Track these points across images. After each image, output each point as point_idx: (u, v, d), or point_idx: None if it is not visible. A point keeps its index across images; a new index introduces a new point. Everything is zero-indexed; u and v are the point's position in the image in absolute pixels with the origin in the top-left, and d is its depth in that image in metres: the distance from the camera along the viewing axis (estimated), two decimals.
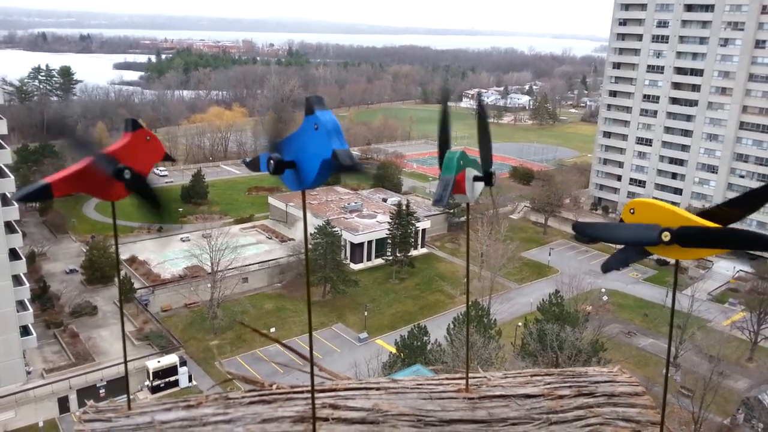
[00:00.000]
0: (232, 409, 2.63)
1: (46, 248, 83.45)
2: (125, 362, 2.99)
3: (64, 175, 2.32)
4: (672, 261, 2.56)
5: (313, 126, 2.24)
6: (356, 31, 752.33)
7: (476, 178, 2.77)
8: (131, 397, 2.80)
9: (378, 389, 2.81)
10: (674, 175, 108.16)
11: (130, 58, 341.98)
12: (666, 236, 2.39)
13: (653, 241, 2.42)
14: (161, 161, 2.78)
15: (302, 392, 2.75)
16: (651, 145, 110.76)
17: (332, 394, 2.77)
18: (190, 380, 59.26)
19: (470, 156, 2.84)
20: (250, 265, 78.88)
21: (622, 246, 2.62)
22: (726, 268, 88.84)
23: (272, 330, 67.30)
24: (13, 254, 57.22)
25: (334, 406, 2.65)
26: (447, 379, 2.96)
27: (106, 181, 2.39)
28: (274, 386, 2.87)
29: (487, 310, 59.91)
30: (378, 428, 2.55)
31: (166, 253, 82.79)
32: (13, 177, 60.25)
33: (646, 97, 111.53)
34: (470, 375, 2.91)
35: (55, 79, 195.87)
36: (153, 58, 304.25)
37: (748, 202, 2.43)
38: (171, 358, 59.44)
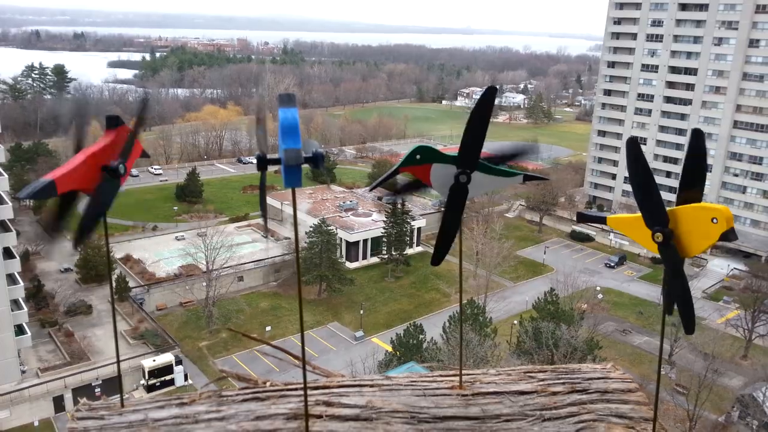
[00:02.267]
0: (225, 406, 2.63)
1: (41, 247, 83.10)
2: (117, 360, 2.98)
3: (66, 170, 2.27)
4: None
5: None
6: (351, 29, 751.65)
7: (456, 175, 2.72)
8: (126, 395, 2.79)
9: (372, 386, 2.82)
10: (668, 174, 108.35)
11: (125, 56, 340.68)
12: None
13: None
14: (139, 158, 2.75)
15: (296, 389, 2.75)
16: (645, 144, 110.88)
17: (326, 391, 2.77)
18: (185, 379, 59.24)
19: (447, 153, 2.77)
20: (245, 263, 78.77)
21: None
22: (720, 266, 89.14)
23: (268, 329, 67.27)
24: (7, 253, 57.09)
25: (327, 403, 2.65)
26: (441, 376, 2.96)
27: (98, 177, 2.37)
28: (268, 383, 2.86)
29: (482, 309, 60.01)
30: (372, 425, 2.55)
31: (161, 252, 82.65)
32: (6, 176, 60.10)
33: (641, 96, 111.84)
34: (464, 372, 2.91)
35: (48, 77, 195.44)
36: (147, 57, 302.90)
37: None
38: (166, 357, 59.41)
